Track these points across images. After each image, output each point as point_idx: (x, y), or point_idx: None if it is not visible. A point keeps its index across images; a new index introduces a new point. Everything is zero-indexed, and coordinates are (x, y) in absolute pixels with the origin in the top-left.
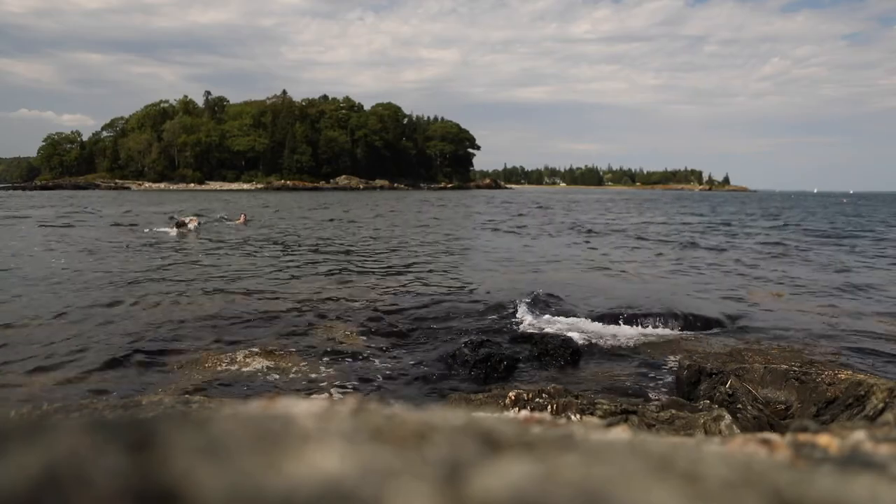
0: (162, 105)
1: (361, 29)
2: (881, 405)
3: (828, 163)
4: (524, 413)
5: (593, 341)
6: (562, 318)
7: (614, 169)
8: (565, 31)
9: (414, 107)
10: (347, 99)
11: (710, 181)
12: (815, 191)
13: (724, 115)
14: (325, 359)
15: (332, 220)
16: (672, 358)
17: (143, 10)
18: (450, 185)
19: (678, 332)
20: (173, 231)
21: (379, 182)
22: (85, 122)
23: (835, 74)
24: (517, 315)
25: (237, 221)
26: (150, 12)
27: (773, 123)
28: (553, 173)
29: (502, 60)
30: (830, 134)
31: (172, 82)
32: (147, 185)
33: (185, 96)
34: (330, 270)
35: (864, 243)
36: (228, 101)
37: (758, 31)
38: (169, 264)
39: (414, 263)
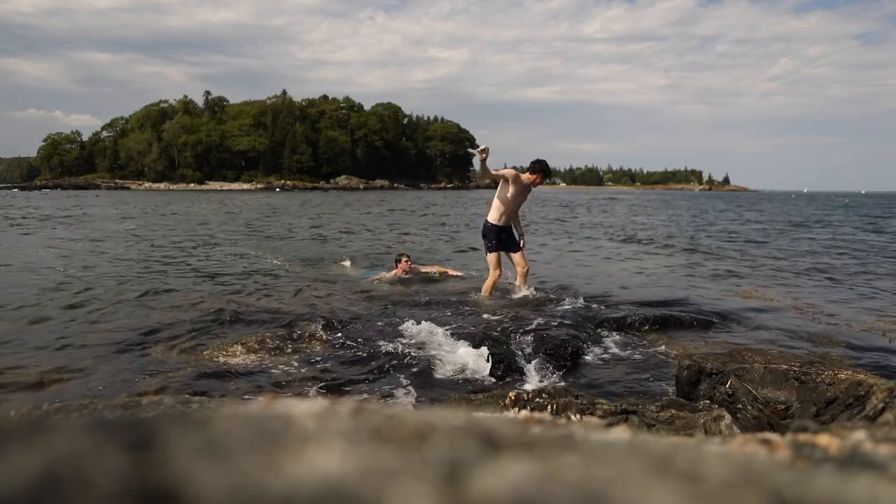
0: (162, 105)
1: (372, 28)
2: (881, 405)
3: (828, 163)
4: (524, 413)
5: (594, 341)
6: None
7: (614, 169)
8: (576, 30)
9: (421, 106)
10: (347, 99)
11: (710, 181)
12: (805, 190)
13: (730, 115)
14: (324, 356)
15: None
16: (672, 358)
17: (154, 10)
18: (449, 186)
19: (679, 332)
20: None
21: (379, 182)
22: (92, 122)
23: (844, 74)
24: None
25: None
26: (161, 11)
27: (777, 123)
28: (553, 173)
29: (511, 60)
30: (836, 134)
31: (179, 81)
32: (147, 185)
33: (185, 96)
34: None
35: None
36: (228, 102)
37: (770, 31)
38: None
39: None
